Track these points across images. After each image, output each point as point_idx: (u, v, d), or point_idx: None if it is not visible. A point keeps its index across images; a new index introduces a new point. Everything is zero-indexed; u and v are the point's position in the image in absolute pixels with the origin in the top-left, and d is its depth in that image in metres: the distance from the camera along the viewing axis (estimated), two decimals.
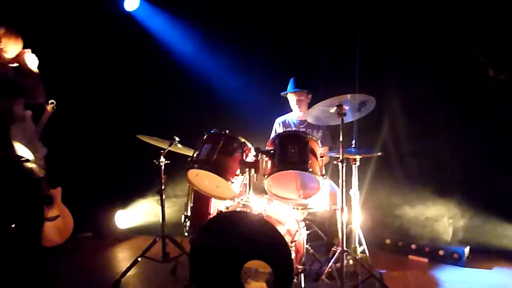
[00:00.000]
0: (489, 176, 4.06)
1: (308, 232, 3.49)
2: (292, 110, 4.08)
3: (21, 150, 2.92)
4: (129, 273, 3.47)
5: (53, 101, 3.37)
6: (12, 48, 3.04)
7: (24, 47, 3.08)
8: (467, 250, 3.91)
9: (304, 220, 3.44)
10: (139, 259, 3.50)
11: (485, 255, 4.01)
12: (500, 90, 3.58)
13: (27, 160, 2.96)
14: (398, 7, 4.31)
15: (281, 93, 4.02)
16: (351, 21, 4.43)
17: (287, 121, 4.11)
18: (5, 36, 2.98)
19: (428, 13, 4.20)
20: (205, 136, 3.16)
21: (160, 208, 3.64)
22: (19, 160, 2.90)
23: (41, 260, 3.01)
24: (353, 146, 3.46)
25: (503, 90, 3.50)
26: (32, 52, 3.05)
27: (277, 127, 4.13)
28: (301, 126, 4.01)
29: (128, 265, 3.48)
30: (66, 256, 4.10)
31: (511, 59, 3.62)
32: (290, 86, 3.97)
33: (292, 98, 3.99)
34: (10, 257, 2.97)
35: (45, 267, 3.08)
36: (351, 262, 3.45)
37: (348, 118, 3.16)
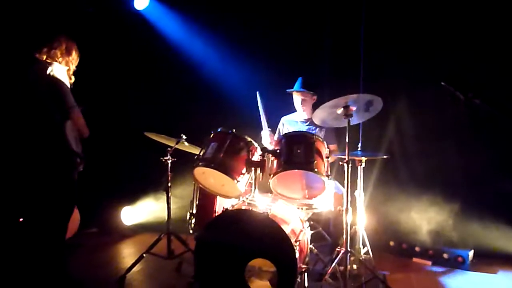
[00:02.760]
0: (496, 179, 4.04)
1: (312, 232, 3.51)
2: (296, 110, 4.10)
3: (74, 146, 3.14)
4: (134, 269, 3.51)
5: (82, 106, 3.48)
6: (77, 61, 3.36)
7: (32, 43, 3.22)
8: (471, 253, 3.91)
9: (309, 220, 3.46)
10: (144, 255, 3.53)
11: (490, 259, 3.99)
12: (475, 114, 3.60)
13: (78, 155, 3.16)
14: (403, 6, 4.31)
15: (287, 90, 4.03)
16: (356, 21, 4.44)
17: (292, 121, 4.13)
18: (73, 48, 3.29)
19: (435, 12, 4.20)
20: (211, 135, 3.19)
21: (166, 205, 3.68)
22: (75, 154, 3.13)
23: (63, 253, 3.16)
24: (359, 148, 3.47)
25: (477, 114, 3.52)
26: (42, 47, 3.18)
27: (281, 127, 4.15)
28: (305, 125, 4.03)
29: (133, 261, 3.52)
30: (72, 251, 4.14)
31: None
32: (296, 85, 3.99)
33: (297, 97, 4.00)
34: (35, 247, 3.16)
35: (65, 260, 3.20)
36: (354, 264, 3.46)
37: (355, 120, 3.17)
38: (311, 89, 3.94)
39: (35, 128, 3.12)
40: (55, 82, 3.06)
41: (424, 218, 4.27)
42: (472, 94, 1.98)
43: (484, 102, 2.02)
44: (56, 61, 3.17)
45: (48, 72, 3.06)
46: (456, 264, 3.90)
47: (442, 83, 2.03)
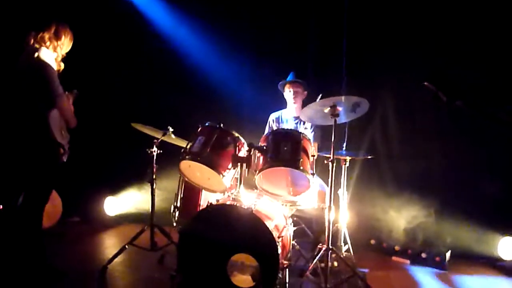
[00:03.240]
0: (475, 181, 4.14)
1: (295, 228, 3.55)
2: (286, 107, 4.12)
3: (58, 136, 3.07)
4: (116, 260, 3.50)
5: (76, 91, 3.41)
6: (68, 46, 3.25)
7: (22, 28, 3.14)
8: (448, 253, 4.00)
9: (292, 216, 3.50)
10: (127, 246, 3.53)
11: (467, 260, 4.09)
12: (457, 116, 3.69)
13: (61, 146, 3.10)
14: (387, 5, 4.37)
15: (280, 83, 4.05)
16: (339, 20, 4.49)
17: (280, 117, 4.15)
18: (65, 33, 3.18)
19: (420, 11, 4.26)
20: (199, 129, 3.19)
21: (150, 197, 3.67)
22: (58, 144, 3.06)
23: (41, 239, 3.12)
24: (344, 148, 3.52)
25: (459, 115, 3.61)
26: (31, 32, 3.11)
27: (271, 123, 4.17)
28: (294, 122, 4.06)
29: (116, 251, 3.51)
30: (54, 240, 4.11)
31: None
32: (289, 77, 4.02)
33: (288, 90, 4.03)
34: (13, 233, 3.11)
35: (44, 247, 3.16)
36: (335, 261, 3.51)
37: (341, 119, 3.21)
38: (303, 82, 3.99)
39: (19, 116, 3.06)
40: (41, 67, 2.98)
41: (404, 217, 4.35)
42: (455, 95, 1.97)
43: (466, 105, 2.02)
44: (43, 45, 3.08)
45: (34, 56, 3.00)
46: (434, 263, 3.98)
47: (424, 83, 2.02)
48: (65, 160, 3.18)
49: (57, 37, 3.14)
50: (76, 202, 4.93)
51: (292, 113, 4.09)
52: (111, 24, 5.07)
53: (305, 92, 4.04)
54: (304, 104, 3.17)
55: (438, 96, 2.01)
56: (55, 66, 3.09)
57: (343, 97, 3.00)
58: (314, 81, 4.49)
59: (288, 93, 4.04)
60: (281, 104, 4.17)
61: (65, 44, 3.22)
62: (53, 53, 3.12)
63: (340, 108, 3.07)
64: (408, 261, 4.11)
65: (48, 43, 3.09)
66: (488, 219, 4.07)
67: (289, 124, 4.06)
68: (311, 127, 3.99)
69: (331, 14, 4.59)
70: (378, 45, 4.42)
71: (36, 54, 3.00)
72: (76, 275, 3.36)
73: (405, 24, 4.31)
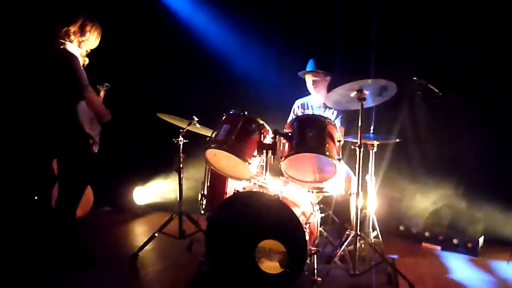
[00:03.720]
0: (506, 164, 4.00)
1: (322, 215, 3.53)
2: (310, 94, 4.08)
3: (87, 127, 3.15)
4: (146, 248, 3.58)
5: (107, 84, 3.48)
6: (94, 42, 3.30)
7: (48, 21, 3.20)
8: (481, 240, 3.90)
9: (319, 203, 3.48)
10: (156, 234, 3.60)
11: (500, 246, 3.97)
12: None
13: (90, 137, 3.17)
14: None
15: (299, 73, 4.01)
16: (368, 2, 4.37)
17: (306, 104, 4.11)
18: (91, 29, 3.23)
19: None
20: (223, 117, 3.20)
21: (177, 186, 3.72)
22: (86, 135, 3.13)
23: (75, 230, 3.24)
24: (372, 131, 3.45)
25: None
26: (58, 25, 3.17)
27: (296, 109, 4.13)
28: (319, 109, 4.01)
29: (146, 240, 3.59)
30: (86, 229, 4.22)
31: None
32: (308, 66, 3.96)
33: (308, 78, 3.97)
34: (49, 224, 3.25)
35: (78, 237, 3.27)
36: (363, 246, 3.48)
37: (368, 103, 3.15)
38: (323, 69, 3.90)
39: (49, 108, 3.14)
40: (66, 58, 3.04)
41: (434, 203, 4.27)
42: (448, 88, 1.89)
43: (461, 94, 1.94)
44: (68, 40, 3.14)
45: (60, 48, 3.06)
46: (465, 249, 3.89)
47: (414, 78, 1.94)
48: (96, 151, 3.25)
49: (82, 32, 3.18)
50: (107, 192, 5.06)
51: (317, 99, 4.04)
52: (134, 16, 5.10)
53: (328, 78, 3.96)
54: (330, 88, 3.12)
55: (429, 90, 1.94)
56: (80, 60, 3.15)
57: (369, 80, 2.94)
58: (342, 65, 4.41)
59: (308, 81, 3.98)
60: (307, 90, 4.12)
61: (91, 40, 3.26)
62: (77, 48, 3.18)
63: (366, 92, 3.01)
64: (438, 247, 4.02)
65: (72, 37, 3.15)
66: None
67: (314, 111, 4.02)
68: (337, 112, 3.93)
69: None
70: (407, 28, 4.28)
71: (61, 47, 3.07)
72: (108, 263, 3.45)
73: (435, 7, 4.16)
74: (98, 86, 3.44)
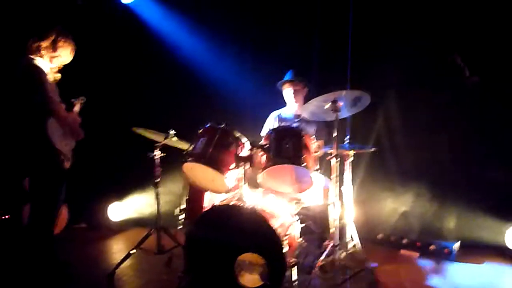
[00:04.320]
0: (482, 171, 4.11)
1: (302, 226, 3.53)
2: (286, 105, 4.10)
3: (57, 143, 3.06)
4: (124, 265, 3.50)
5: (83, 97, 3.41)
6: (67, 57, 3.23)
7: (21, 35, 3.14)
8: (457, 244, 3.97)
9: (298, 214, 3.47)
10: (134, 250, 3.52)
11: (476, 250, 4.05)
12: (475, 90, 3.67)
13: (61, 153, 3.09)
14: (392, 2, 4.33)
15: (278, 82, 4.03)
16: (344, 15, 4.46)
17: (282, 116, 4.13)
18: (63, 45, 3.17)
19: (422, 7, 4.22)
20: (200, 130, 3.18)
21: (155, 200, 3.67)
22: (56, 151, 3.05)
23: (52, 245, 3.15)
24: (347, 141, 3.49)
25: (477, 90, 3.60)
26: (31, 39, 3.11)
27: (272, 121, 4.15)
28: (296, 120, 4.04)
29: (123, 256, 3.51)
30: (61, 247, 4.11)
31: (483, 62, 3.75)
32: (287, 76, 3.99)
33: (288, 88, 4.00)
34: (25, 241, 3.14)
35: (55, 252, 3.23)
36: (343, 256, 3.49)
37: (343, 114, 3.20)
38: (302, 79, 3.94)
39: (18, 124, 3.07)
40: (33, 73, 2.98)
41: (412, 210, 4.33)
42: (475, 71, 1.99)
43: (482, 81, 2.04)
44: (39, 55, 3.08)
45: (28, 64, 3.00)
46: (443, 255, 3.95)
47: (454, 55, 2.03)
48: (67, 167, 3.18)
49: (54, 48, 3.13)
50: (82, 208, 4.95)
51: (293, 111, 4.07)
52: (109, 30, 5.07)
53: (305, 89, 4.01)
54: (307, 100, 3.16)
55: (462, 70, 2.02)
56: (49, 76, 3.08)
57: (344, 92, 2.98)
58: (318, 77, 4.47)
59: (288, 92, 4.01)
60: (283, 101, 4.15)
61: (63, 55, 3.20)
62: (48, 63, 3.12)
63: (341, 103, 3.05)
64: (417, 254, 4.07)
65: (43, 53, 3.09)
66: (496, 208, 4.04)
67: (290, 122, 4.04)
68: (315, 123, 3.96)
69: (336, 7, 4.56)
70: (382, 39, 4.39)
71: (30, 62, 3.01)
72: (84, 282, 3.36)
73: (409, 19, 4.28)
74: (72, 100, 3.37)
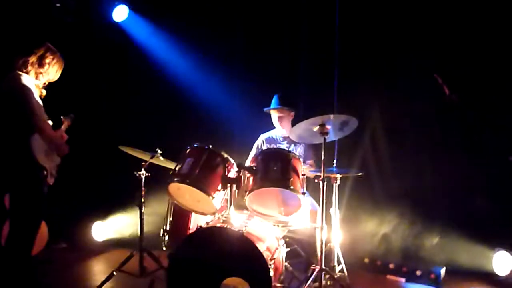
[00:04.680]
0: (468, 197, 4.14)
1: (288, 249, 3.49)
2: (275, 127, 4.12)
3: (41, 159, 2.98)
4: (104, 287, 3.39)
5: (72, 115, 3.38)
6: (54, 75, 3.19)
7: (10, 51, 3.11)
8: (443, 270, 3.96)
9: (284, 237, 3.44)
10: (115, 273, 3.42)
11: (462, 275, 4.04)
12: (453, 107, 3.75)
13: (44, 169, 3.01)
14: (376, 25, 4.42)
15: (264, 109, 4.05)
16: (331, 38, 4.53)
17: (271, 137, 4.13)
18: (51, 62, 3.12)
19: (408, 30, 4.32)
20: (187, 150, 3.15)
21: (138, 221, 3.59)
22: (39, 166, 2.97)
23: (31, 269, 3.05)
24: (335, 165, 3.50)
25: (455, 108, 3.67)
26: (19, 56, 3.08)
27: (261, 143, 4.14)
28: (285, 142, 4.04)
29: (104, 278, 3.41)
30: (40, 268, 3.98)
31: (462, 81, 3.84)
32: (273, 103, 4.01)
33: (274, 114, 4.02)
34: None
35: (35, 275, 3.11)
36: (329, 282, 3.45)
37: (331, 137, 3.21)
38: (287, 105, 3.97)
39: (1, 140, 3.01)
40: (19, 90, 2.92)
41: (398, 235, 4.32)
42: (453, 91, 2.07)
43: (460, 100, 2.12)
44: (25, 71, 3.05)
45: (14, 79, 2.97)
46: (429, 281, 3.93)
47: (434, 75, 2.11)
48: (51, 184, 3.10)
49: (40, 64, 3.09)
50: (63, 227, 4.81)
51: (282, 133, 4.08)
52: (100, 47, 5.06)
53: (292, 113, 4.03)
54: (295, 122, 3.17)
55: (442, 88, 2.09)
56: (35, 92, 3.04)
57: (331, 116, 3.00)
58: (306, 100, 4.50)
59: (274, 117, 4.03)
60: (272, 123, 4.16)
61: (50, 72, 3.15)
62: (35, 79, 3.08)
63: (329, 127, 3.06)
64: (403, 279, 4.04)
65: (30, 68, 3.05)
66: (482, 233, 4.04)
67: (279, 144, 4.04)
68: (303, 146, 3.97)
69: (323, 32, 4.63)
70: (368, 63, 4.46)
71: (16, 78, 2.97)
72: None
73: (395, 44, 4.36)
74: (62, 117, 3.33)
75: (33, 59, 3.07)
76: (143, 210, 3.58)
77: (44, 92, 3.19)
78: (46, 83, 3.20)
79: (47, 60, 3.11)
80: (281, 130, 4.05)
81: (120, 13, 4.98)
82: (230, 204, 2.96)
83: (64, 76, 3.34)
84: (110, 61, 5.10)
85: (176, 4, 5.03)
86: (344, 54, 4.50)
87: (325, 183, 3.04)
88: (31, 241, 3.11)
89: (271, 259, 2.76)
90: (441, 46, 4.16)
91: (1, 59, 3.28)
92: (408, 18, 4.30)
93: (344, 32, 4.50)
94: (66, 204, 4.64)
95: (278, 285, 2.86)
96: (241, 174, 2.99)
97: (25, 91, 2.95)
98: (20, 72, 3.02)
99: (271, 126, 4.13)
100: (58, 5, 4.63)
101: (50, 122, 3.17)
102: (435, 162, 4.28)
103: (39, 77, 3.10)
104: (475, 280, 3.99)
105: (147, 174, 3.55)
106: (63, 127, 3.34)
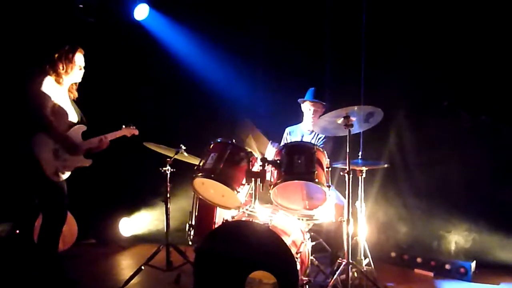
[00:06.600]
0: (498, 189, 4.02)
1: (313, 243, 3.47)
2: (301, 121, 4.09)
3: (44, 157, 3.08)
4: (132, 281, 3.46)
5: (133, 126, 3.71)
6: (75, 76, 3.31)
7: (35, 52, 3.22)
8: (473, 264, 3.86)
9: (309, 231, 3.42)
10: (143, 267, 3.49)
11: (492, 270, 3.94)
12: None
13: (43, 164, 3.08)
14: (405, 18, 4.33)
15: (299, 100, 4.02)
16: (357, 32, 4.45)
17: (296, 131, 4.11)
18: (72, 63, 3.24)
19: (436, 25, 4.21)
20: (211, 145, 3.17)
21: (164, 216, 3.64)
22: (36, 163, 3.04)
23: (59, 262, 3.13)
24: (360, 157, 3.45)
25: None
26: (43, 58, 3.16)
27: (287, 136, 4.13)
28: (310, 136, 4.01)
29: (132, 273, 3.47)
30: (70, 263, 4.08)
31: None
32: (309, 95, 3.97)
33: (308, 107, 3.98)
34: (30, 257, 3.18)
35: (63, 269, 3.24)
36: (356, 274, 3.41)
37: (355, 129, 3.16)
38: (322, 99, 3.95)
39: (12, 140, 3.14)
40: (32, 92, 3.03)
41: (426, 228, 4.23)
42: (479, 111, 1.97)
43: (491, 119, 2.01)
44: (46, 72, 3.12)
45: (30, 81, 3.06)
46: (458, 275, 3.85)
47: (445, 103, 2.00)
48: (59, 180, 3.14)
49: (62, 66, 3.16)
50: (91, 224, 4.93)
51: (308, 127, 4.04)
52: (123, 46, 5.13)
53: (324, 109, 4.00)
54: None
55: (459, 114, 1.99)
56: (56, 94, 3.11)
57: (356, 107, 2.96)
58: (331, 92, 4.45)
59: (307, 110, 3.99)
60: (296, 118, 4.14)
61: (72, 73, 3.23)
62: (55, 83, 3.14)
63: (353, 119, 3.02)
64: (431, 273, 3.97)
65: (51, 71, 3.13)
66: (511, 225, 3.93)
67: (304, 138, 4.01)
68: (323, 138, 3.93)
69: (349, 25, 4.55)
70: (395, 56, 4.37)
71: (34, 81, 3.04)
72: None
73: (422, 36, 4.26)
74: (123, 126, 3.66)
75: (55, 61, 3.15)
76: (168, 206, 3.63)
77: (75, 94, 3.29)
78: (74, 86, 3.29)
79: (69, 64, 3.18)
80: (308, 124, 4.02)
81: (141, 12, 5.03)
82: (255, 198, 2.96)
83: (89, 75, 3.40)
84: (134, 60, 5.16)
85: (197, 0, 5.04)
86: (371, 44, 4.41)
87: (351, 175, 3.00)
88: (55, 235, 3.19)
89: (297, 253, 2.74)
90: (473, 37, 4.05)
91: (26, 61, 3.38)
92: (439, 6, 4.19)
93: (371, 21, 4.41)
94: (94, 202, 4.75)
95: (304, 278, 2.84)
96: (265, 168, 2.97)
97: (37, 92, 3.04)
98: (40, 75, 3.10)
99: (295, 119, 4.11)
100: (81, 6, 4.70)
101: (82, 127, 3.26)
102: (462, 152, 4.17)
103: (61, 79, 3.17)
104: (505, 275, 3.89)
105: (172, 170, 3.59)
106: (118, 133, 3.54)
